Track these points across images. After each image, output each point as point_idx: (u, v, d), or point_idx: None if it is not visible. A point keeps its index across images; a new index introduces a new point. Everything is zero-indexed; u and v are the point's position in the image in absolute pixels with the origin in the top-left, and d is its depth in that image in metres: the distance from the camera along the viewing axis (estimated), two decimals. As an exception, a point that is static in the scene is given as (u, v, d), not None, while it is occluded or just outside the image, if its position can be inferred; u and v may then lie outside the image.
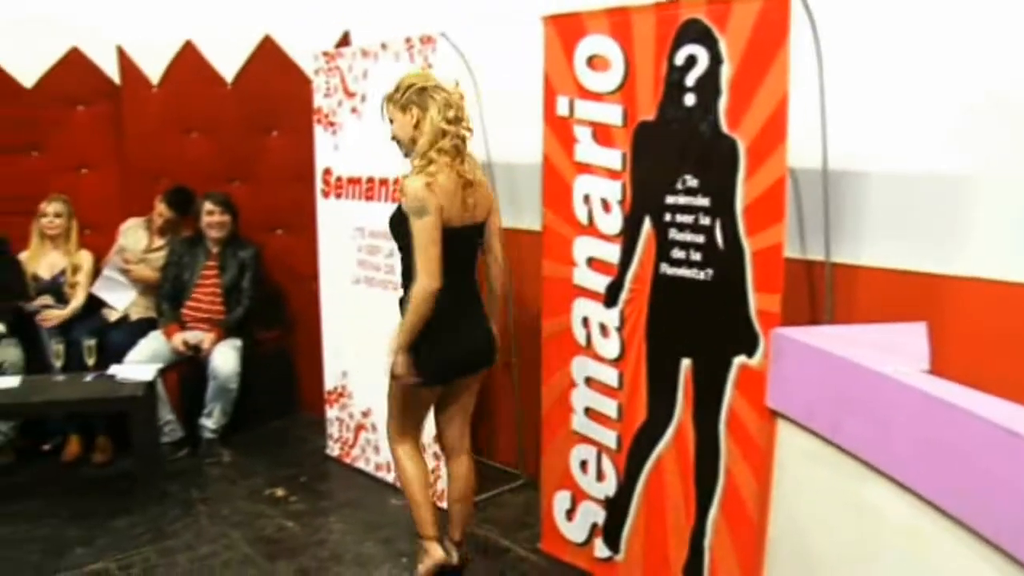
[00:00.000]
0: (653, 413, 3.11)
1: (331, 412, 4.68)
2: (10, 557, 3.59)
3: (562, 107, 3.23)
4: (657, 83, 2.91)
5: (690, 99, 2.82)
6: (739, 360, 2.79)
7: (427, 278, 2.80)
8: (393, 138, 3.01)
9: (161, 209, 4.97)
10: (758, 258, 2.71)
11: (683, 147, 2.86)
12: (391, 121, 2.98)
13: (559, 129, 3.25)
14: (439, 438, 3.30)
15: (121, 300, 4.91)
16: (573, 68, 3.16)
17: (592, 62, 3.11)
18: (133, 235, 5.04)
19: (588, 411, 3.35)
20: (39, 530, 3.84)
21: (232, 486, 4.34)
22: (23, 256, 4.89)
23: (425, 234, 2.80)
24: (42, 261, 4.90)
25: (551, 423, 3.48)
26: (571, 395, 3.38)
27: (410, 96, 2.90)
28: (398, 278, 3.76)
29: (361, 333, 4.27)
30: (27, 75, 5.24)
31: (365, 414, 4.40)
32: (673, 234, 2.93)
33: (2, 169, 5.28)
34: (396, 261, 3.83)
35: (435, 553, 3.18)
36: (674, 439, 3.04)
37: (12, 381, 4.20)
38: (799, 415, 2.26)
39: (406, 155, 2.99)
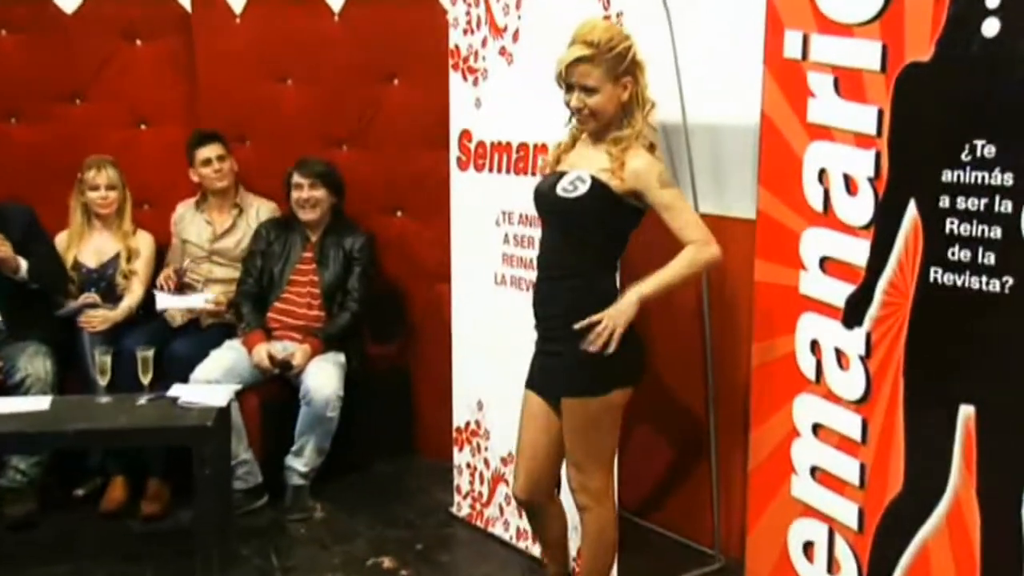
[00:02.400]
0: (914, 481, 2.96)
1: (460, 456, 4.66)
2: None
3: (792, 46, 3.15)
4: (938, 6, 2.74)
5: (991, 27, 2.62)
6: (1053, 411, 2.62)
7: (715, 242, 3.13)
8: (585, 111, 3.16)
9: (194, 155, 4.98)
10: (1092, 263, 2.55)
11: (975, 100, 2.70)
12: (592, 91, 3.12)
13: (787, 77, 3.18)
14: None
15: (197, 300, 4.94)
16: (810, -12, 3.11)
17: (840, -20, 3.04)
18: (191, 224, 5.09)
19: (816, 472, 3.24)
20: (66, 605, 3.95)
21: (324, 551, 4.36)
22: (60, 239, 4.95)
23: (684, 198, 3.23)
24: (87, 245, 4.96)
25: (762, 487, 3.43)
26: (792, 448, 3.31)
27: (627, 65, 3.14)
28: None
29: (504, 352, 4.18)
30: (69, -2, 5.34)
31: (506, 461, 4.32)
32: (952, 226, 2.77)
33: (34, 122, 5.39)
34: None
35: None
36: (947, 520, 2.86)
37: (39, 403, 4.15)
38: None
39: (590, 128, 3.23)
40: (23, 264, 4.60)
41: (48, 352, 4.62)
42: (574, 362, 3.18)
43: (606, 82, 3.12)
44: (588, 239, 3.20)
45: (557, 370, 3.25)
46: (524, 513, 3.62)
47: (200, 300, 4.91)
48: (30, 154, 5.27)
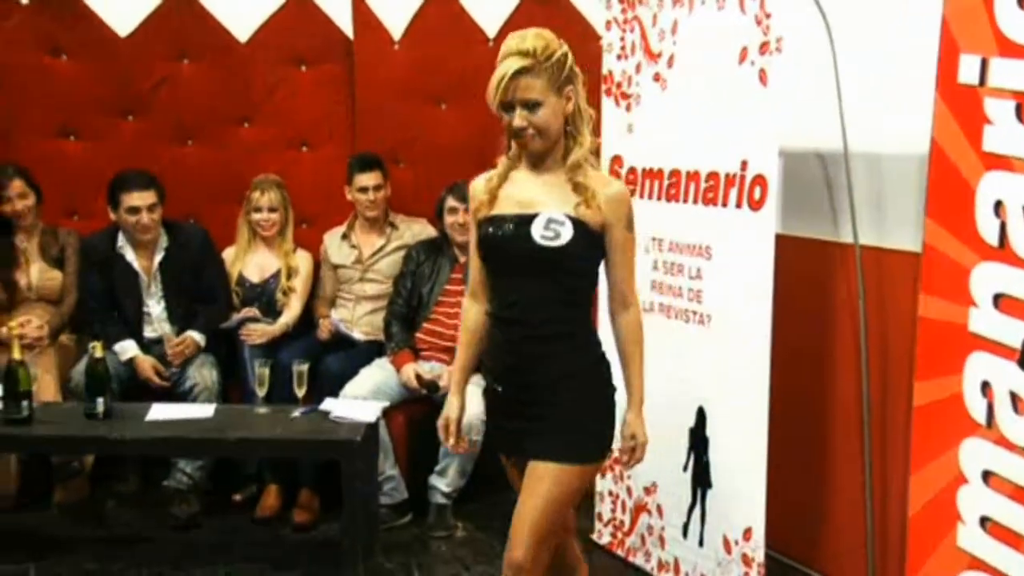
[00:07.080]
0: (1102, 539, 2.72)
1: (602, 483, 4.53)
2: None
3: (968, 71, 2.94)
4: None
5: None
6: None
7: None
8: (530, 130, 2.82)
9: (353, 179, 4.99)
10: None
11: None
12: (536, 105, 2.78)
13: (961, 103, 2.98)
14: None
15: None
16: (992, 9, 2.87)
17: (1026, -1, 2.84)
18: (338, 251, 5.15)
19: (986, 522, 3.00)
20: (222, 604, 4.00)
21: (464, 571, 4.34)
22: (228, 254, 5.11)
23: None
24: (250, 261, 5.10)
25: (923, 534, 3.20)
26: (958, 495, 3.08)
27: (568, 73, 2.84)
28: (706, 308, 3.80)
29: (653, 379, 3.98)
30: (241, 25, 5.39)
31: (649, 490, 4.21)
32: None
33: (206, 144, 5.47)
34: (703, 285, 3.84)
35: None
36: None
37: (204, 410, 4.31)
38: None
39: (535, 149, 2.87)
40: (199, 340, 4.77)
41: (214, 362, 4.80)
42: (564, 426, 2.86)
43: (549, 94, 2.77)
44: (577, 286, 2.92)
45: (542, 433, 2.88)
46: None
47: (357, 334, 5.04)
48: (202, 174, 5.39)
